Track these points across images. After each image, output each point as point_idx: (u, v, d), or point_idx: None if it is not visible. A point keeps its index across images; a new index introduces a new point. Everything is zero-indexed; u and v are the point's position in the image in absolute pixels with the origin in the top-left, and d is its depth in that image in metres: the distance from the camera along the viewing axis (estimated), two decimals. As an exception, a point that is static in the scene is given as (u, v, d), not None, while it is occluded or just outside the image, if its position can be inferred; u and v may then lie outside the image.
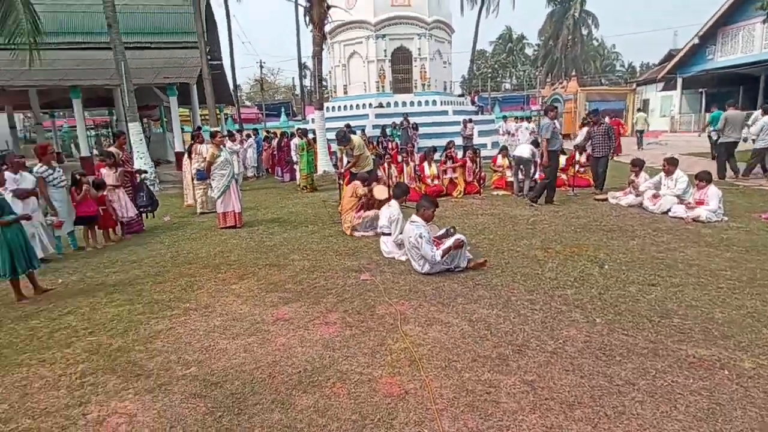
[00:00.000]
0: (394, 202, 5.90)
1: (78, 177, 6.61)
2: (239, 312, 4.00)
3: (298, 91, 43.12)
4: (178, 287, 4.72)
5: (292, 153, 12.84)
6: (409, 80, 21.23)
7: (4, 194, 4.79)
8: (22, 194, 5.50)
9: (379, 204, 6.76)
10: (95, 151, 19.56)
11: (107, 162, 7.17)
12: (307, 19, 15.27)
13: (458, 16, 37.13)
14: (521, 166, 9.15)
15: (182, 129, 18.93)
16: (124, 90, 12.89)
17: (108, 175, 7.02)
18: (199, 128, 12.94)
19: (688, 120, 24.06)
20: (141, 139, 12.74)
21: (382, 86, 20.80)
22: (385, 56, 20.71)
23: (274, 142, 15.24)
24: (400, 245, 5.40)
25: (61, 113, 28.45)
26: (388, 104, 20.03)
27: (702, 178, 6.87)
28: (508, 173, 10.05)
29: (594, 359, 2.99)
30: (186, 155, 9.64)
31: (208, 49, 17.18)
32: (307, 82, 41.75)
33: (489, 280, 4.55)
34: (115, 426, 2.51)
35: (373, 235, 6.39)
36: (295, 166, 12.63)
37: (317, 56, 15.19)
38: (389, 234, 5.66)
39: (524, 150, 9.07)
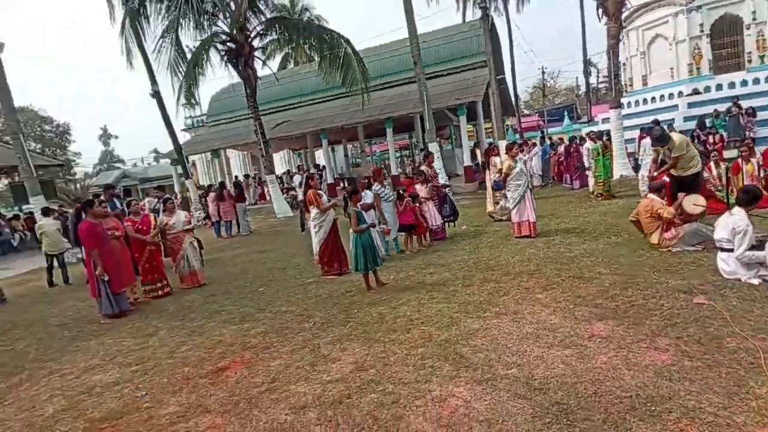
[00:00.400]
0: (738, 210, 4.68)
1: (401, 192, 7.92)
2: (549, 322, 3.98)
3: (581, 91, 41.09)
4: (485, 291, 5.02)
5: (584, 158, 11.72)
6: (738, 54, 17.25)
7: (358, 208, 5.96)
8: (366, 207, 7.01)
9: (697, 216, 5.76)
10: (399, 170, 23.36)
11: (419, 179, 8.41)
12: (600, 12, 14.12)
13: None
14: None
15: (474, 144, 20.33)
16: (425, 116, 15.02)
17: (421, 189, 8.22)
18: (490, 143, 13.74)
19: None
20: (438, 157, 14.60)
21: (698, 68, 17.49)
22: (702, 31, 17.35)
23: (561, 148, 14.59)
24: (749, 265, 4.37)
25: (374, 141, 35.29)
26: (707, 89, 16.70)
27: None
28: None
29: None
30: (485, 167, 10.35)
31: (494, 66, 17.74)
32: (591, 80, 38.59)
33: None
34: (455, 407, 2.83)
35: (702, 250, 5.41)
36: (587, 172, 11.57)
37: (612, 49, 14.07)
38: (731, 250, 4.54)
39: None
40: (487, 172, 9.82)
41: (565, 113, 31.85)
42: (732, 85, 16.37)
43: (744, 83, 16.31)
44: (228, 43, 15.75)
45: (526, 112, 45.16)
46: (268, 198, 19.51)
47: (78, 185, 34.82)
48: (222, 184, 14.27)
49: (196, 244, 7.54)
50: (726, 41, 17.30)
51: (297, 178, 18.58)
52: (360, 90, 15.67)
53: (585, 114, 31.40)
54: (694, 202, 5.81)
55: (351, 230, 5.82)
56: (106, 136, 56.50)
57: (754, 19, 16.53)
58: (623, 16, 14.85)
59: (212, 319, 5.44)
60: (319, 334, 4.45)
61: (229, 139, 23.66)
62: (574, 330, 3.76)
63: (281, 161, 30.82)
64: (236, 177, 24.76)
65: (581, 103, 37.63)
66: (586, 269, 5.35)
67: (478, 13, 18.23)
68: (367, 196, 7.18)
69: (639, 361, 3.13)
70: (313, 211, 6.90)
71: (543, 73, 42.23)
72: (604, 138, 11.45)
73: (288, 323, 4.91)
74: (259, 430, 2.93)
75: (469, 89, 18.40)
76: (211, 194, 13.73)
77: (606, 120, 15.92)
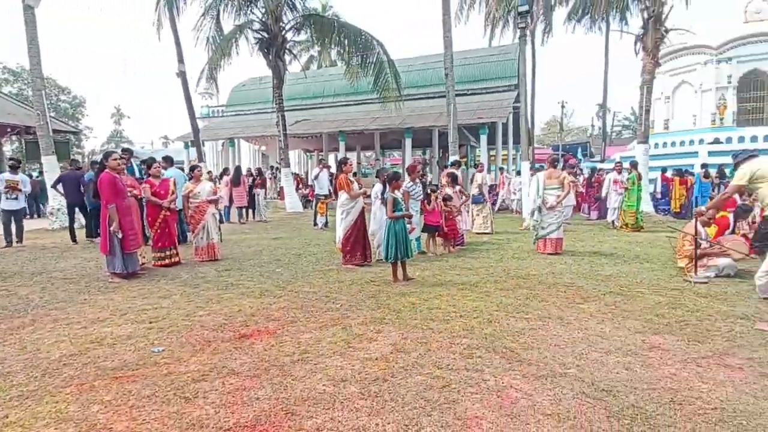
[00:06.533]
0: None
1: (429, 192, 7.77)
2: (599, 330, 3.89)
3: (594, 131, 41.37)
4: (521, 296, 4.96)
5: (603, 189, 12.12)
6: (762, 110, 18.47)
7: (396, 195, 5.74)
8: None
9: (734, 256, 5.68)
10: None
11: (449, 180, 8.51)
12: (638, 46, 14.71)
13: None
14: None
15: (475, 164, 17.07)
16: (450, 128, 14.45)
17: (455, 192, 8.21)
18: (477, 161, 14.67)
19: None
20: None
21: (721, 118, 18.52)
22: (729, 83, 18.63)
23: (581, 179, 14.41)
24: None
25: (388, 153, 34.34)
26: (729, 140, 17.09)
27: None
28: None
29: None
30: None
31: (517, 93, 17.51)
32: (607, 121, 34.39)
33: None
34: (515, 399, 2.71)
35: (707, 282, 5.52)
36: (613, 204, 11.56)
37: (647, 84, 14.45)
38: None
39: None
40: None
41: (579, 150, 31.82)
42: (755, 138, 16.66)
43: (766, 138, 16.39)
44: (261, 32, 16.06)
45: (537, 145, 39.79)
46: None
47: (86, 159, 31.82)
48: (239, 169, 14.02)
49: (218, 216, 7.48)
50: (752, 95, 18.29)
51: (315, 171, 13.35)
52: (390, 96, 15.57)
53: (599, 153, 30.76)
54: (737, 246, 5.91)
55: (385, 217, 5.71)
56: (118, 115, 54.67)
57: (785, 75, 15.88)
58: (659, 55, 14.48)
59: (229, 291, 5.29)
60: (349, 314, 4.32)
61: (249, 130, 24.16)
62: (630, 340, 3.67)
63: (292, 162, 27.87)
64: (258, 167, 18.86)
65: (594, 143, 38.06)
66: (626, 287, 5.36)
67: (504, 40, 19.89)
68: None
69: (712, 376, 3.03)
70: (342, 196, 6.72)
71: (562, 107, 42.54)
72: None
73: (312, 302, 4.78)
74: (296, 397, 2.72)
75: (494, 110, 18.44)
76: (225, 178, 13.52)
77: (626, 158, 15.90)
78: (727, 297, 5.03)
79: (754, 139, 17.16)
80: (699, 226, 6.02)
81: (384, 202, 6.17)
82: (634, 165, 11.54)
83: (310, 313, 4.45)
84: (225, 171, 15.15)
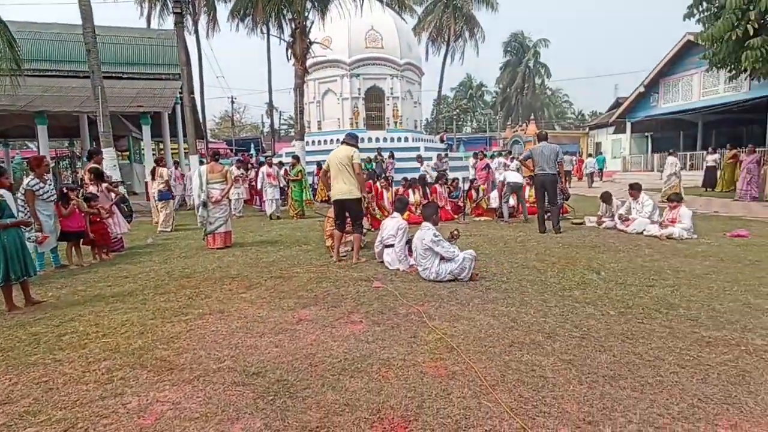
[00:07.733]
0: (397, 214, 6.23)
1: (66, 191, 6.47)
2: (258, 315, 4.09)
3: (266, 128, 45.15)
4: (183, 297, 4.75)
5: (259, 182, 12.98)
6: (381, 117, 22.50)
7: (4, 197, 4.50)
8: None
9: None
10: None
11: (92, 178, 7.45)
12: (289, 52, 16.18)
13: (423, 61, 31.56)
14: (516, 192, 10.07)
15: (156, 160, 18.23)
16: (99, 115, 12.44)
17: (101, 191, 7.35)
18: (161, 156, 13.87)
19: (638, 161, 26.08)
20: (115, 165, 12.73)
21: (356, 122, 21.79)
22: (359, 94, 22.09)
23: (252, 173, 15.02)
24: (400, 260, 5.73)
25: (15, 144, 27.83)
26: (362, 140, 19.25)
27: (673, 199, 7.83)
28: (493, 203, 10.84)
29: (620, 342, 3.27)
30: (150, 178, 10.56)
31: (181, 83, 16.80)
32: (274, 120, 40.89)
33: (498, 285, 4.86)
34: (160, 413, 2.49)
35: (348, 253, 6.60)
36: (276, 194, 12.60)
37: (299, 88, 16.19)
38: (392, 245, 5.81)
39: (518, 176, 10.00)
40: (152, 182, 10.22)
41: (252, 145, 35.82)
42: (378, 139, 20.83)
43: (385, 140, 21.06)
44: None
45: (212, 139, 45.74)
46: None
47: None
48: None
49: None
50: (374, 106, 22.25)
51: None
52: (3, 69, 10.81)
53: (269, 148, 34.08)
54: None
55: None
56: None
57: (391, 93, 22.21)
58: (308, 63, 17.05)
59: None
60: None
61: None
62: (283, 318, 3.98)
63: None
64: None
65: (266, 139, 41.85)
66: (285, 270, 5.86)
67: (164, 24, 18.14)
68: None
69: (341, 333, 3.59)
70: None
71: (232, 103, 45.24)
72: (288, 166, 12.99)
73: None
74: None
75: (154, 98, 16.71)
76: None
77: (289, 154, 18.23)
78: (359, 266, 6.07)
79: (377, 139, 20.74)
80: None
81: None
82: (296, 158, 12.89)
83: None
84: None
